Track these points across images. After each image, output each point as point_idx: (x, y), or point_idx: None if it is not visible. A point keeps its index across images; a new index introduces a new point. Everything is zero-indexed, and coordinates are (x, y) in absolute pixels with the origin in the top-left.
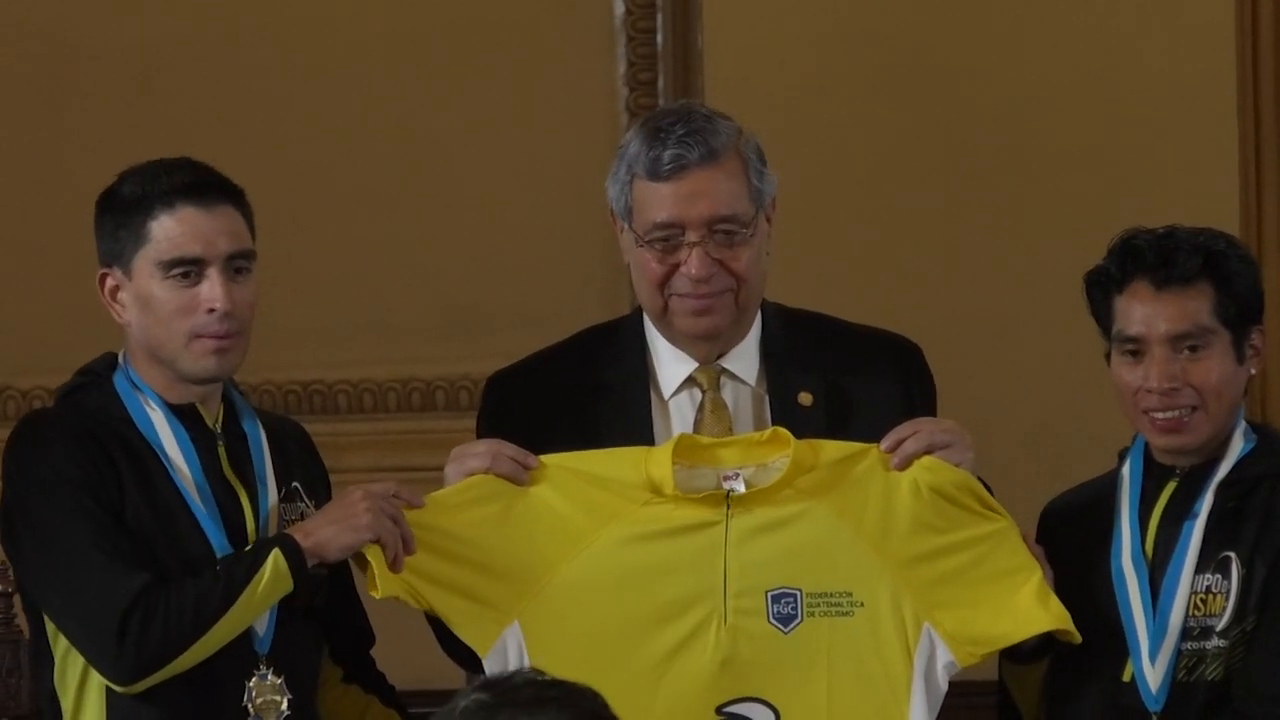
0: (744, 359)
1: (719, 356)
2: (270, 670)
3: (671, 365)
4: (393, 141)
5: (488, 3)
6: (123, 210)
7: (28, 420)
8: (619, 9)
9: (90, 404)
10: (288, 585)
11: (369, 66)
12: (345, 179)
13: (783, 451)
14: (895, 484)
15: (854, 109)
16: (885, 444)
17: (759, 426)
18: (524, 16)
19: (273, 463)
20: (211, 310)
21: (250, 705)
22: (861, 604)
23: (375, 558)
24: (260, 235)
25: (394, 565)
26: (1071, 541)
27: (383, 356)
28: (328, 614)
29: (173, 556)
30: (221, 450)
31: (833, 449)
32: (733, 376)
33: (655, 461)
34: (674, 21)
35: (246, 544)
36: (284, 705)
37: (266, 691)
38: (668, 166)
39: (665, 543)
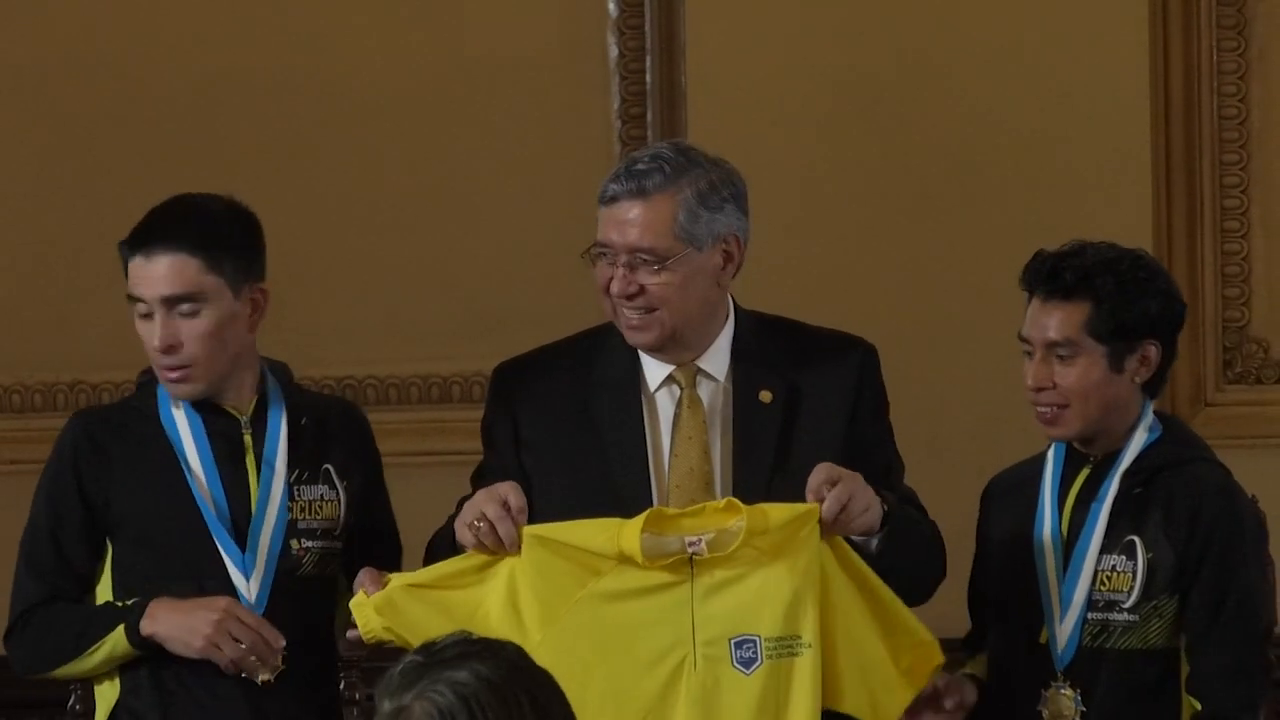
0: (717, 360)
1: (693, 359)
2: None
3: (653, 365)
4: (419, 168)
5: (503, 50)
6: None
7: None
8: (613, 52)
9: (132, 401)
10: (130, 653)
11: (402, 106)
12: (377, 204)
13: (738, 516)
14: (825, 544)
15: (820, 141)
16: (810, 495)
17: (727, 421)
18: (533, 59)
19: (307, 445)
20: (154, 347)
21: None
22: (809, 645)
23: (357, 609)
24: (303, 251)
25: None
26: (1005, 514)
27: (407, 355)
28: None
29: (167, 533)
30: (247, 438)
31: (778, 514)
32: (708, 375)
33: (625, 537)
34: (661, 64)
35: (248, 523)
36: (278, 660)
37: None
38: (606, 195)
39: (640, 600)
